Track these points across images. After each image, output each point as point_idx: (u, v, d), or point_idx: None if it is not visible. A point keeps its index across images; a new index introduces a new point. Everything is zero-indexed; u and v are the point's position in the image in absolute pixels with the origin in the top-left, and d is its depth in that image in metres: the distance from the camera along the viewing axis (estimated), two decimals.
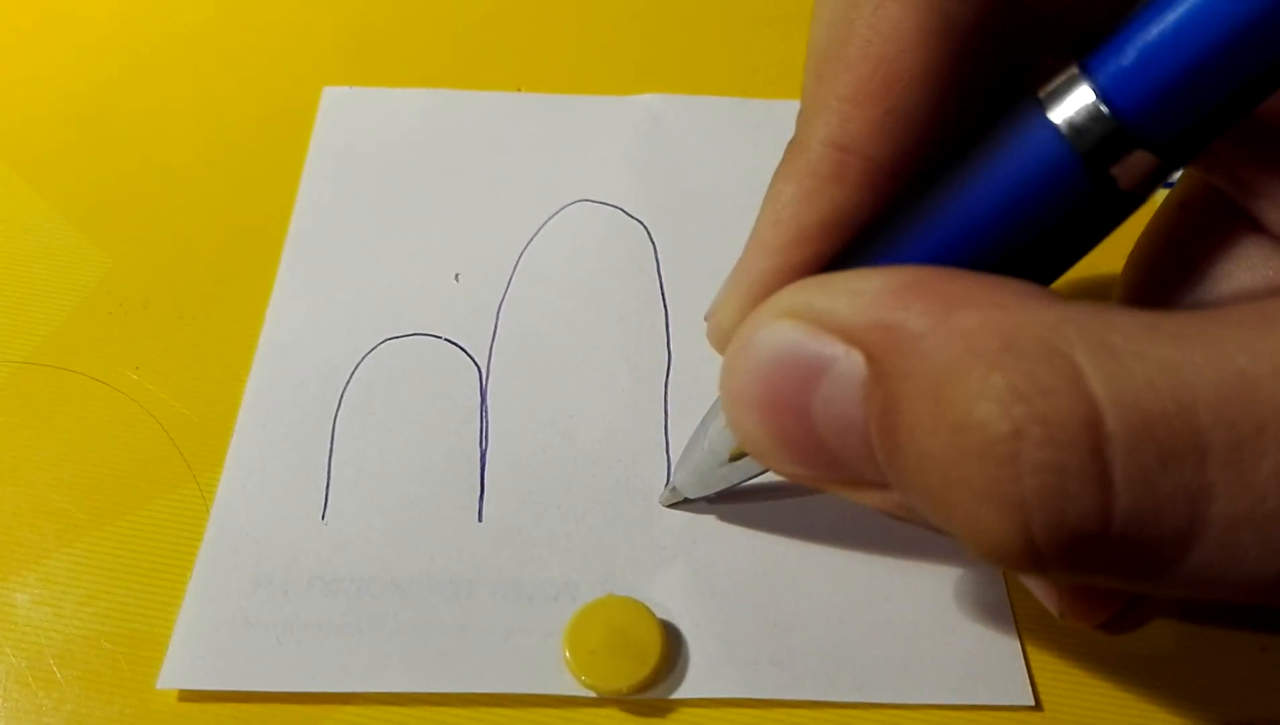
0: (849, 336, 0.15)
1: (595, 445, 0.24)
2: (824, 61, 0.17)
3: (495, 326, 0.26)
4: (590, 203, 0.29)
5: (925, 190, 0.17)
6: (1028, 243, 0.16)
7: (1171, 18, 0.14)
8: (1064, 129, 0.15)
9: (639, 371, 0.25)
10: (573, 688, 0.20)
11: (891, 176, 0.17)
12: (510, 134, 0.31)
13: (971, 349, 0.13)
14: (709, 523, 0.23)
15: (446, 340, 0.26)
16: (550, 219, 0.29)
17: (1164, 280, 0.20)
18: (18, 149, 0.30)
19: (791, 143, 0.18)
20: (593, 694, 0.20)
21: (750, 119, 0.31)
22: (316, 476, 0.23)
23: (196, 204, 0.29)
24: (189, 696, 0.20)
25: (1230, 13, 0.14)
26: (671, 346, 0.26)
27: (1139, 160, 0.14)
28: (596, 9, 0.35)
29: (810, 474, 0.16)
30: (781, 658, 0.21)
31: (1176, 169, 0.15)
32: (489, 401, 0.25)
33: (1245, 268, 0.18)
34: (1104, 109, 0.14)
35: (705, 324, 0.20)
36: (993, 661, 0.21)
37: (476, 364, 0.25)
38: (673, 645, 0.21)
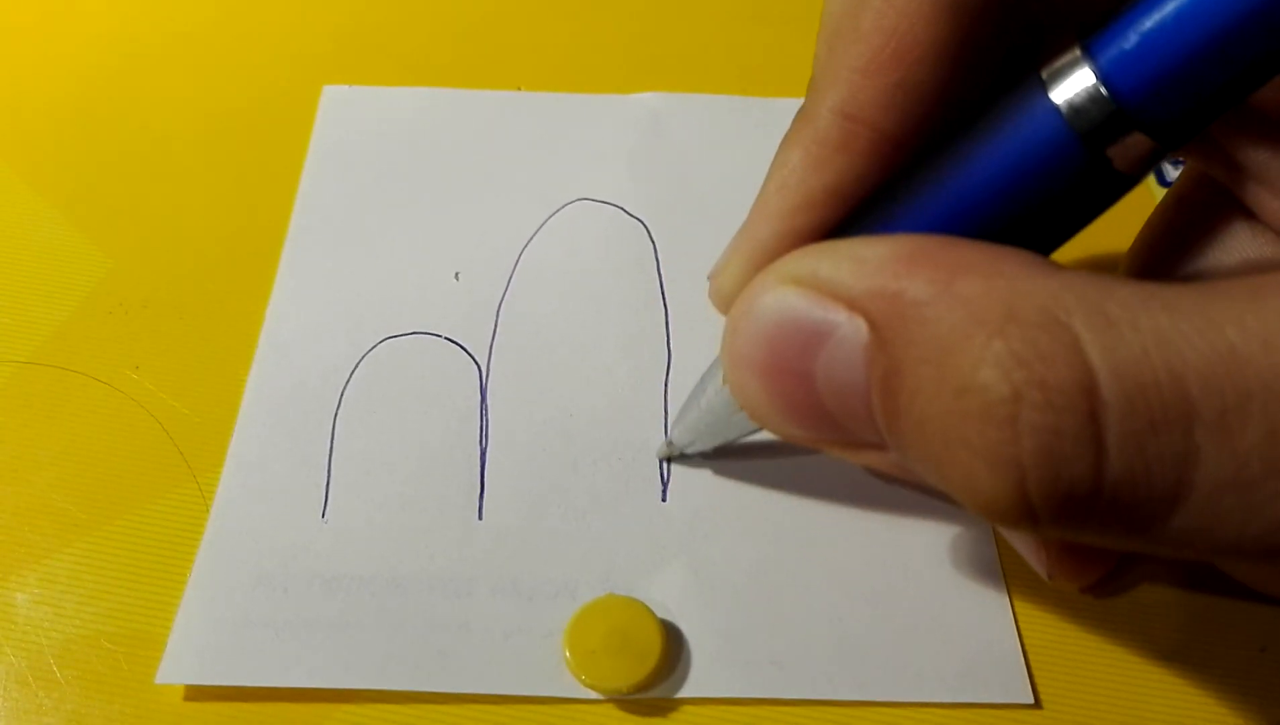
0: (852, 303, 0.15)
1: (595, 444, 0.24)
2: (837, 32, 0.18)
3: (495, 325, 0.26)
4: (590, 201, 0.29)
5: (930, 162, 0.17)
6: (1026, 216, 0.16)
7: (1173, 5, 0.14)
8: (1064, 109, 0.15)
9: (639, 370, 0.25)
10: (573, 688, 0.20)
11: (898, 147, 0.18)
12: (510, 133, 0.31)
13: (974, 316, 0.14)
14: (709, 521, 0.23)
15: (446, 339, 0.26)
16: (550, 218, 0.29)
17: (1164, 263, 0.20)
18: (18, 149, 0.30)
19: (800, 111, 0.19)
20: (593, 694, 0.20)
21: (750, 118, 0.31)
22: (317, 474, 0.23)
23: (197, 204, 0.29)
24: (190, 695, 0.20)
25: (1228, 3, 0.14)
26: (671, 345, 0.26)
27: (1135, 142, 0.15)
28: (596, 8, 0.35)
29: (810, 436, 0.17)
30: (781, 657, 0.21)
31: (1171, 151, 0.15)
32: (489, 400, 0.25)
33: (1238, 250, 0.19)
34: (1104, 91, 0.15)
35: (708, 283, 0.21)
36: (992, 660, 0.21)
37: (476, 363, 0.25)
38: (673, 645, 0.21)
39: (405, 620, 0.21)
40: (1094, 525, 0.14)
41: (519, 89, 0.32)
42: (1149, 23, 0.14)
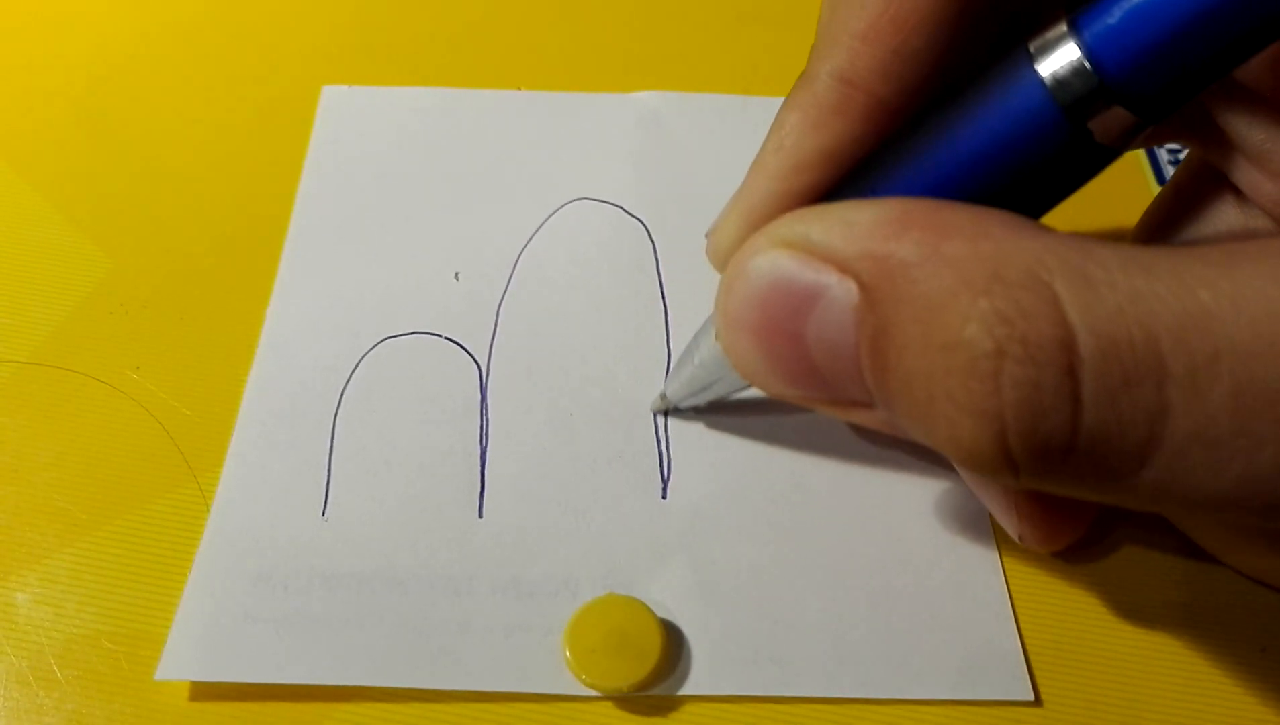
0: (842, 266, 0.15)
1: (595, 442, 0.24)
2: None
3: (495, 325, 0.26)
4: (590, 201, 0.29)
5: (922, 129, 0.18)
6: (1011, 184, 0.17)
7: None
8: (1049, 82, 0.16)
9: (638, 369, 0.25)
10: (573, 686, 0.20)
11: (892, 113, 0.18)
12: (510, 132, 0.31)
13: (961, 277, 0.14)
14: (709, 520, 0.23)
15: (447, 338, 0.26)
16: (550, 217, 0.29)
17: (1156, 242, 0.21)
18: (18, 149, 0.30)
19: (802, 73, 0.19)
20: (593, 692, 0.20)
21: (750, 117, 0.31)
22: (317, 473, 0.23)
23: (196, 203, 0.29)
24: (191, 695, 0.20)
25: None
26: (671, 344, 0.26)
27: (1116, 116, 0.16)
28: (596, 8, 0.35)
29: (800, 394, 0.18)
30: (781, 655, 0.21)
31: (1151, 125, 0.16)
32: (489, 399, 0.25)
33: (1225, 224, 0.20)
34: (1087, 65, 0.15)
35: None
36: (992, 657, 0.21)
37: (476, 362, 0.25)
38: (673, 644, 0.21)
39: (405, 618, 0.21)
40: (1070, 476, 0.15)
41: (519, 88, 0.32)
42: (1134, 0, 0.15)
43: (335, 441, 0.24)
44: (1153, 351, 0.13)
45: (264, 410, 0.24)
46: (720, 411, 0.24)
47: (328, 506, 0.23)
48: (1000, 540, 0.23)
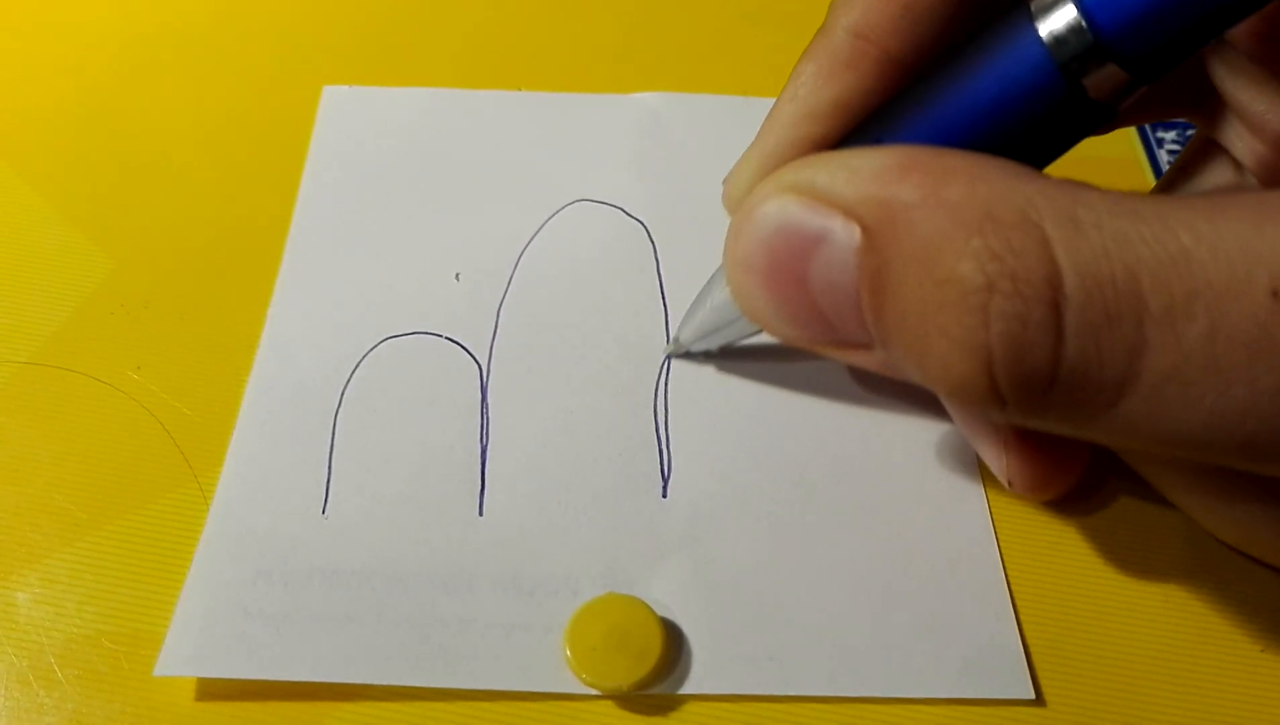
0: (846, 210, 0.16)
1: (595, 442, 0.24)
2: None
3: (495, 325, 0.26)
4: (590, 202, 0.29)
5: (929, 83, 0.18)
6: (1010, 137, 0.18)
7: None
8: (1047, 40, 0.17)
9: (638, 369, 0.25)
10: (573, 685, 0.20)
11: (901, 68, 0.19)
12: (510, 132, 0.31)
13: (957, 218, 0.15)
14: (709, 518, 0.23)
15: (447, 338, 0.26)
16: (550, 219, 0.29)
17: None
18: (18, 149, 0.30)
19: (820, 27, 0.20)
20: (594, 691, 0.20)
21: (751, 118, 0.31)
22: (317, 471, 0.23)
23: (197, 204, 0.29)
24: (191, 694, 0.20)
25: None
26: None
27: (1110, 74, 0.16)
28: (596, 8, 0.35)
29: (804, 336, 0.18)
30: (782, 654, 0.21)
31: (1143, 85, 0.17)
32: (489, 398, 0.25)
33: (1213, 182, 0.21)
34: (1084, 24, 0.16)
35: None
36: (993, 655, 0.21)
37: (477, 361, 0.25)
38: (673, 643, 0.21)
39: (405, 616, 0.21)
40: (1053, 409, 0.15)
41: (519, 89, 0.32)
42: None
43: (336, 440, 0.24)
44: (1133, 290, 0.14)
45: (265, 408, 0.24)
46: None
47: (328, 504, 0.23)
48: (1001, 538, 0.23)
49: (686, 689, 0.21)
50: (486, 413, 0.25)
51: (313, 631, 0.21)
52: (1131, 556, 0.23)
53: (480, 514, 0.23)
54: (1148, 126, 0.32)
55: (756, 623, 0.21)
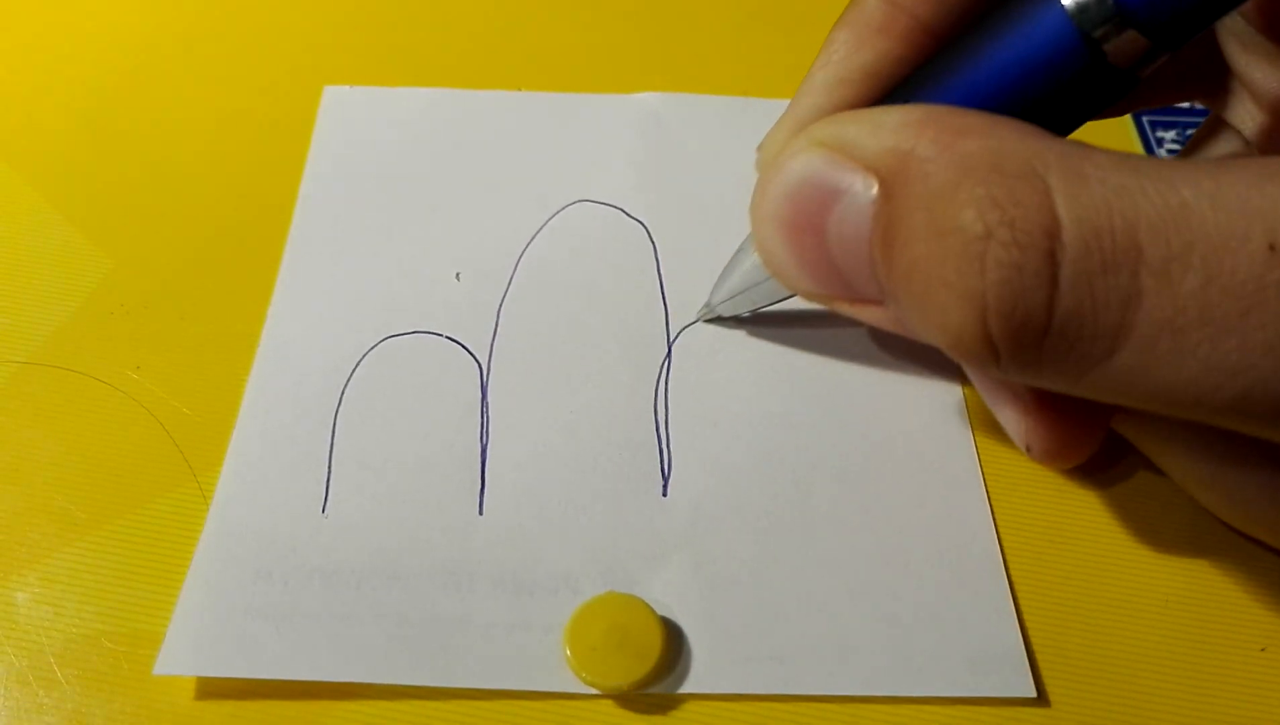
0: (867, 164, 0.16)
1: (595, 441, 0.24)
2: None
3: (496, 325, 0.26)
4: (591, 203, 0.29)
5: (957, 49, 0.19)
6: (1034, 102, 0.18)
7: None
8: (1070, 7, 0.17)
9: (639, 369, 0.25)
10: (573, 684, 0.20)
11: (932, 34, 0.20)
12: (511, 133, 0.31)
13: (964, 167, 0.15)
14: (709, 517, 0.23)
15: (448, 338, 0.26)
16: (551, 219, 0.29)
17: None
18: (18, 149, 0.30)
19: None
20: (594, 690, 0.20)
21: (751, 118, 0.31)
22: (317, 470, 0.23)
23: (198, 204, 0.29)
24: (191, 694, 0.20)
25: None
26: (671, 345, 0.26)
27: (1131, 40, 0.17)
28: (597, 8, 0.35)
29: (821, 290, 0.18)
30: (782, 653, 0.21)
31: (1163, 53, 0.17)
32: (490, 397, 0.25)
33: (1220, 155, 0.22)
34: None
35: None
36: (995, 654, 0.21)
37: (477, 361, 0.25)
38: (673, 642, 0.21)
39: (405, 615, 0.21)
40: (1047, 362, 0.15)
41: (519, 89, 0.32)
42: None
43: (336, 439, 0.24)
44: (1131, 240, 0.14)
45: (265, 406, 0.24)
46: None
47: (328, 503, 0.23)
48: (1003, 537, 0.23)
49: (686, 688, 0.21)
50: (487, 412, 0.25)
51: (312, 631, 0.21)
52: (1133, 555, 0.23)
53: (480, 513, 0.23)
54: (1148, 127, 0.32)
55: (756, 622, 0.21)
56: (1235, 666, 0.21)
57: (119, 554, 0.22)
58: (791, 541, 0.23)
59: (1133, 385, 0.15)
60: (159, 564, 0.22)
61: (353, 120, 0.31)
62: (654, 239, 0.28)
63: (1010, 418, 0.21)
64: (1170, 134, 0.31)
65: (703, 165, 0.30)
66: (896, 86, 0.20)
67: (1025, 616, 0.22)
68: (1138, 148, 0.31)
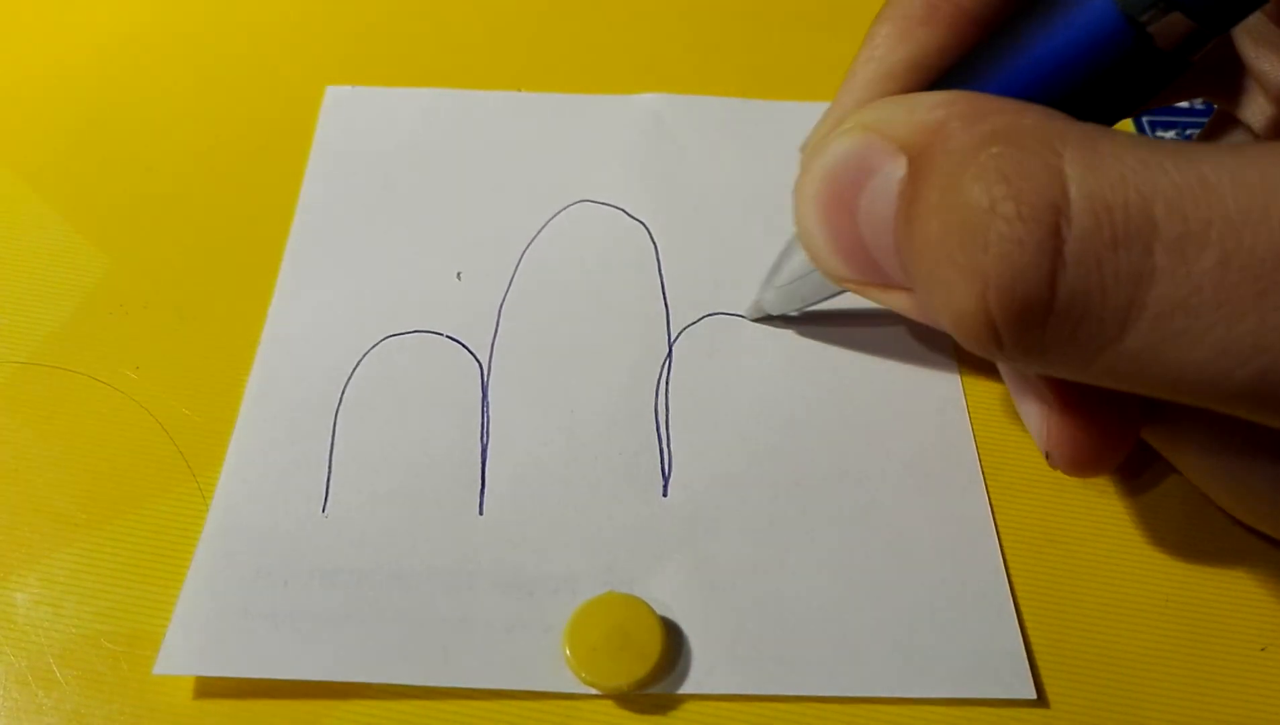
0: (901, 143, 0.16)
1: (596, 441, 0.24)
2: None
3: (497, 325, 0.26)
4: (592, 203, 0.29)
5: (1000, 37, 0.19)
6: (1079, 89, 0.18)
7: None
8: None
9: (639, 369, 0.25)
10: (573, 684, 0.20)
11: (975, 24, 0.19)
12: (512, 133, 0.31)
13: (980, 145, 0.15)
14: (710, 517, 0.23)
15: (449, 337, 0.26)
16: (552, 219, 0.29)
17: None
18: (18, 149, 0.30)
19: None
20: (594, 691, 0.20)
21: (752, 119, 0.31)
22: (317, 470, 0.23)
23: (198, 204, 0.29)
24: (191, 693, 0.20)
25: None
26: (672, 345, 0.26)
27: (1176, 21, 0.16)
28: (598, 8, 0.35)
29: (854, 276, 0.18)
30: (782, 653, 0.21)
31: (1211, 36, 0.17)
32: (490, 397, 0.25)
33: None
34: None
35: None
36: (995, 655, 0.21)
37: (478, 360, 0.25)
38: (673, 642, 0.21)
39: (405, 615, 0.21)
40: (1051, 345, 0.15)
41: (520, 90, 0.32)
42: None
43: (336, 438, 0.24)
44: (1145, 215, 0.13)
45: (265, 406, 0.24)
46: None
47: (328, 503, 0.23)
48: (1003, 538, 0.23)
49: (686, 688, 0.21)
50: (487, 412, 0.25)
51: (312, 630, 0.21)
52: (1133, 555, 0.23)
53: (480, 513, 0.23)
54: (1147, 127, 0.32)
55: (757, 622, 0.21)
56: (1235, 666, 0.21)
57: (118, 554, 0.22)
58: (792, 541, 0.23)
59: (1143, 369, 0.14)
60: (158, 564, 0.22)
61: (354, 120, 0.31)
62: (655, 239, 0.28)
63: (1035, 421, 0.20)
64: (1170, 134, 0.31)
65: (704, 166, 0.30)
66: (940, 78, 0.20)
67: (1025, 617, 0.22)
68: None
